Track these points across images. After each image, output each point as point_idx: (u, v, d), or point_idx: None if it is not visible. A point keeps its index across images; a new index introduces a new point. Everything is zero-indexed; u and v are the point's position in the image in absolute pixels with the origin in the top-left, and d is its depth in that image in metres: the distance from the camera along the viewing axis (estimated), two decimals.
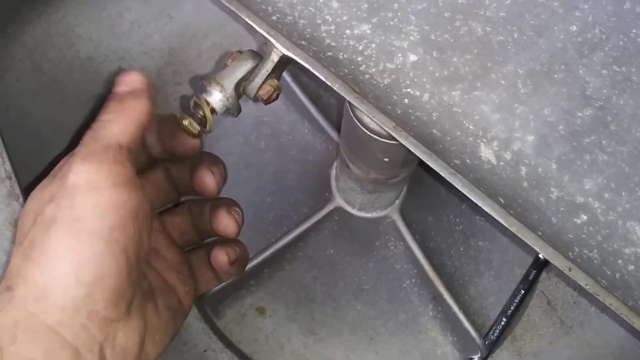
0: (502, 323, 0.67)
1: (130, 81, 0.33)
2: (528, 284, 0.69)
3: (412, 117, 0.33)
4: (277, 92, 0.35)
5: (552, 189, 0.32)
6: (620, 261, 0.31)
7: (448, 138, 0.32)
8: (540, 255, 0.69)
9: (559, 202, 0.32)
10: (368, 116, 0.31)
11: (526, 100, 0.33)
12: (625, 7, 0.34)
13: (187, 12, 0.74)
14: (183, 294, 0.37)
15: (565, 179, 0.32)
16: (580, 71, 0.33)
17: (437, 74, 0.34)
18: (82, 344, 0.28)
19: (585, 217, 0.31)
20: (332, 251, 0.69)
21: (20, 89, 0.68)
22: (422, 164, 0.46)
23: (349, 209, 0.63)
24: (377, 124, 0.31)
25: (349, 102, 0.39)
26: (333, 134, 0.69)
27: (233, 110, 0.35)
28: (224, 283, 0.63)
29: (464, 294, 0.69)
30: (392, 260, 0.69)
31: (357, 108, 0.35)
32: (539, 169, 0.32)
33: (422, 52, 0.34)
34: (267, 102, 0.35)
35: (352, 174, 0.52)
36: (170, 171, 0.39)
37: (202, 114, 0.35)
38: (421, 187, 0.70)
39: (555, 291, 0.70)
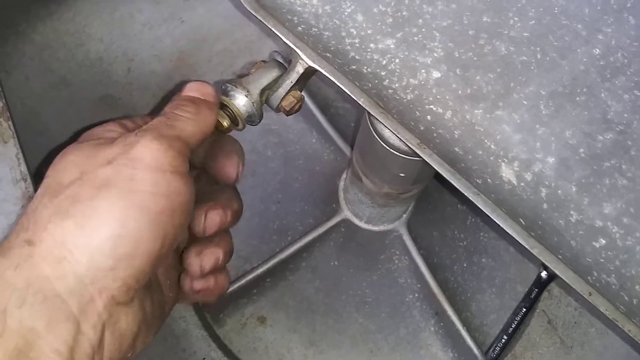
0: (503, 341, 0.67)
1: (205, 92, 0.34)
2: (529, 303, 0.68)
3: (435, 135, 0.32)
4: (299, 103, 0.35)
5: (571, 212, 0.32)
6: (637, 287, 0.31)
7: (470, 157, 0.32)
8: (542, 274, 0.69)
9: (578, 226, 0.32)
10: (392, 132, 0.31)
11: (548, 122, 0.33)
12: None
13: (199, 16, 0.74)
14: (168, 297, 0.37)
15: (585, 203, 0.32)
16: (602, 95, 0.33)
17: (460, 92, 0.33)
18: (85, 319, 0.28)
19: (603, 242, 0.31)
20: (336, 263, 0.69)
21: (28, 87, 0.68)
22: (437, 178, 0.46)
23: (356, 221, 0.63)
24: (400, 139, 0.31)
25: (369, 116, 0.39)
26: (342, 144, 0.69)
27: (255, 117, 0.35)
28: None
29: (465, 310, 0.68)
30: (395, 274, 0.68)
31: (378, 122, 0.34)
32: (559, 191, 0.32)
33: (445, 69, 0.34)
34: (289, 113, 0.35)
35: (364, 187, 0.52)
36: None
37: (229, 112, 0.35)
38: (427, 202, 0.70)
39: (556, 310, 0.70)
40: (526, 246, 0.30)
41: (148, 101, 0.73)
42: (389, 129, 0.31)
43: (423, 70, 0.34)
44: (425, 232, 0.69)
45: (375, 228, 0.64)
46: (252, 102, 0.34)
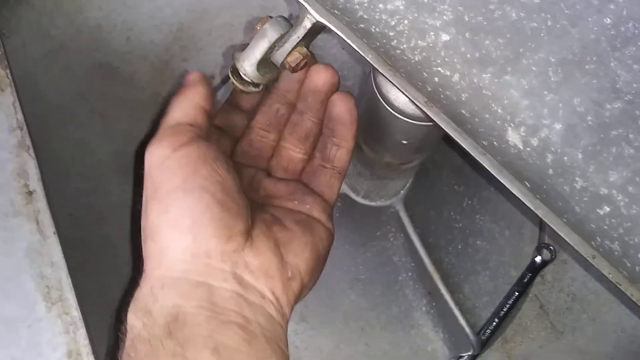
0: (494, 324, 0.67)
1: (188, 79, 0.39)
2: (522, 287, 0.68)
3: (442, 96, 0.32)
4: (305, 60, 0.35)
5: (577, 178, 0.32)
6: None
7: (476, 120, 0.32)
8: (536, 259, 0.70)
9: (583, 192, 0.32)
10: (399, 89, 0.31)
11: (556, 89, 0.33)
12: None
13: None
14: (308, 209, 0.41)
15: (591, 170, 0.32)
16: (612, 64, 0.33)
17: (468, 55, 0.33)
18: (213, 279, 0.32)
19: (608, 209, 0.31)
20: None
21: (25, 52, 0.67)
22: (446, 140, 0.45)
23: (353, 195, 0.63)
24: (408, 97, 0.31)
25: (374, 78, 0.38)
26: None
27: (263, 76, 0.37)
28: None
29: (458, 291, 0.68)
30: (390, 252, 0.68)
31: (383, 85, 0.34)
32: (565, 158, 0.32)
33: (454, 33, 0.33)
34: (294, 69, 0.35)
35: (363, 156, 0.51)
36: None
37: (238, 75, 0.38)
38: (425, 179, 0.70)
39: (548, 295, 0.70)
40: (531, 207, 0.30)
41: (146, 71, 0.72)
42: (396, 86, 0.31)
43: (432, 33, 0.33)
44: (421, 210, 0.69)
45: (372, 203, 0.63)
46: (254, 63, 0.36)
